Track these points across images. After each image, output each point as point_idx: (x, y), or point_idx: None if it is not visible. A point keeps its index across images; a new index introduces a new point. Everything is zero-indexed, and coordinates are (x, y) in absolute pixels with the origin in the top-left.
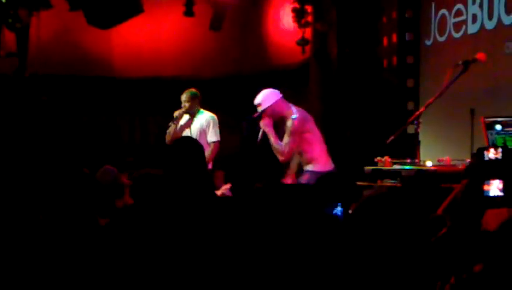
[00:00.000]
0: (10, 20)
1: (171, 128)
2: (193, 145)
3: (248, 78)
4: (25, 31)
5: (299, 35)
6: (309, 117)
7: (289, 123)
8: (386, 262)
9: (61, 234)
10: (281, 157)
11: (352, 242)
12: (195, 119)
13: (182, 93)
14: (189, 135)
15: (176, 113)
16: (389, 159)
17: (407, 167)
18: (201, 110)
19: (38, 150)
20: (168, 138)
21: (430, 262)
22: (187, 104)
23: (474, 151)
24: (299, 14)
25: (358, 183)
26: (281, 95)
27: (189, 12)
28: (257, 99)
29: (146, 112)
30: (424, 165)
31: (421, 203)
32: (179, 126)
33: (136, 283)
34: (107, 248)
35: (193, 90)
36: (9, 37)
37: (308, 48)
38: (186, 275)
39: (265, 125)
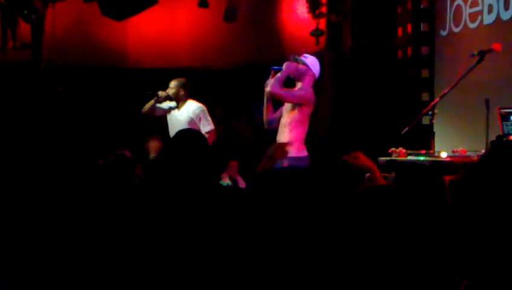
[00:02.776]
0: (26, 12)
1: (149, 103)
2: (196, 137)
3: (262, 69)
4: (41, 22)
5: (313, 26)
6: (313, 103)
7: (299, 89)
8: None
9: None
10: (270, 88)
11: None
12: (182, 108)
13: (197, 83)
14: (176, 124)
15: (160, 93)
16: (404, 150)
17: (421, 158)
18: (189, 100)
19: (54, 141)
20: (143, 110)
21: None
22: (171, 91)
23: (490, 142)
24: (313, 5)
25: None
26: (317, 76)
27: (203, 3)
28: (308, 55)
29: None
30: (439, 156)
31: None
32: (168, 115)
33: (139, 276)
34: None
35: (182, 79)
36: (25, 28)
37: (322, 38)
38: (189, 267)
39: (288, 66)
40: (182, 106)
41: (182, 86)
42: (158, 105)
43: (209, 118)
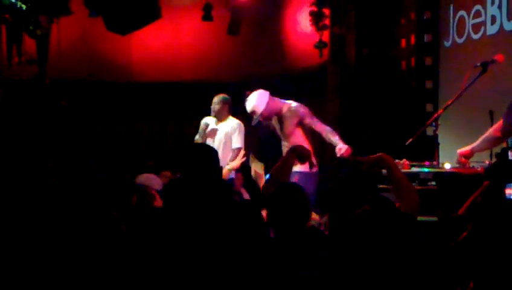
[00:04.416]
0: (31, 27)
1: (198, 135)
2: (206, 151)
3: (266, 82)
4: (46, 38)
5: (317, 39)
6: (303, 111)
7: (290, 113)
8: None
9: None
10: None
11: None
12: (221, 124)
13: (201, 97)
14: (214, 140)
15: (205, 120)
16: (407, 162)
17: (425, 170)
18: (230, 116)
19: (59, 154)
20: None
21: (450, 267)
22: (216, 107)
23: (494, 153)
24: (316, 17)
25: (379, 185)
26: (268, 93)
27: (207, 16)
28: (249, 108)
29: (165, 116)
30: (443, 168)
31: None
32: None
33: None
34: (127, 252)
35: (225, 95)
36: (30, 43)
37: (326, 51)
38: (203, 277)
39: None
40: (222, 121)
41: (226, 102)
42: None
43: (242, 137)
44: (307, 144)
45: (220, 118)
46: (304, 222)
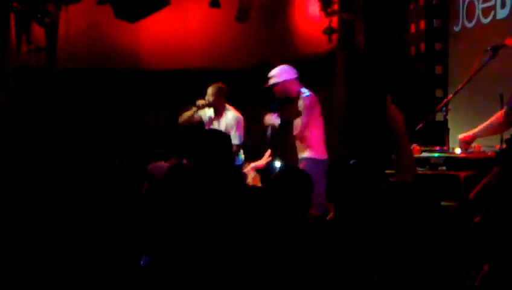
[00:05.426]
0: (39, 15)
1: (188, 113)
2: (221, 138)
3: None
4: (54, 26)
5: (326, 24)
6: (318, 101)
7: (301, 102)
8: (416, 252)
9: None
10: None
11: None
12: (222, 119)
13: (209, 84)
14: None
15: (199, 102)
16: (418, 147)
17: (436, 155)
18: (228, 107)
19: (70, 143)
20: (180, 120)
21: (464, 250)
22: (211, 98)
23: (504, 138)
24: (325, 3)
25: (387, 171)
26: (296, 75)
27: (215, 3)
28: (272, 71)
29: (174, 104)
30: (453, 153)
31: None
32: (200, 118)
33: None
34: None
35: (220, 84)
36: (39, 31)
37: (334, 36)
38: (218, 264)
39: (273, 120)
40: (221, 113)
41: (220, 91)
42: (199, 113)
43: (241, 132)
44: (318, 134)
45: (216, 110)
46: (304, 208)
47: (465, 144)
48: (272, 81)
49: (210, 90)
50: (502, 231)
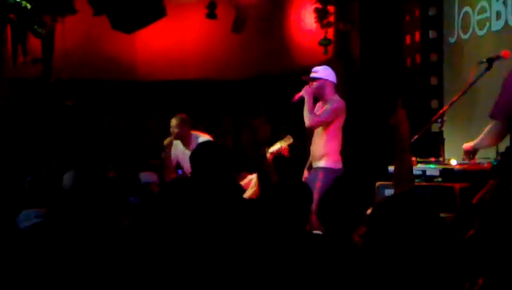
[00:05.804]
0: (36, 27)
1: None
2: (218, 150)
3: (271, 79)
4: (50, 37)
5: (322, 36)
6: (344, 111)
7: (328, 105)
8: (411, 264)
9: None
10: (308, 123)
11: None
12: (193, 146)
13: (206, 95)
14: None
15: (166, 142)
16: (413, 158)
17: (431, 166)
18: (197, 134)
19: (64, 154)
20: (163, 166)
21: (458, 263)
22: (175, 130)
23: (500, 150)
24: (321, 15)
25: (383, 183)
26: (335, 82)
27: (211, 14)
28: (317, 68)
29: (171, 115)
30: (449, 164)
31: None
32: (174, 155)
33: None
34: (130, 247)
35: (182, 115)
36: (35, 42)
37: (330, 48)
38: (212, 274)
39: (307, 92)
40: (190, 143)
41: (184, 122)
42: (167, 152)
43: None
44: (336, 144)
45: (184, 140)
46: (302, 221)
47: (467, 154)
48: (314, 75)
49: (173, 123)
50: (496, 244)
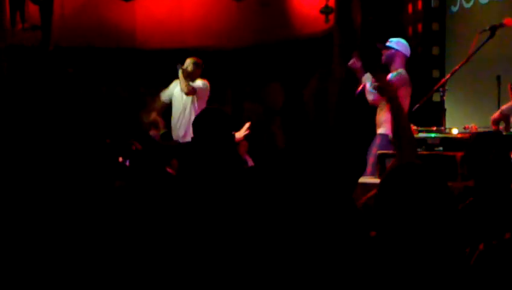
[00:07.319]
0: None
1: (185, 81)
2: (220, 116)
3: (271, 48)
4: (49, 4)
5: (323, 4)
6: (408, 84)
7: (393, 75)
8: (413, 231)
9: (79, 199)
10: (371, 99)
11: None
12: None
13: (205, 63)
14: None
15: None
16: (414, 127)
17: (432, 135)
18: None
19: (64, 122)
20: (186, 90)
21: (458, 229)
22: (190, 68)
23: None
24: None
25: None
26: (408, 55)
27: None
28: (393, 38)
29: (169, 83)
30: (450, 133)
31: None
32: (169, 95)
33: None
34: (122, 210)
35: (198, 60)
36: (34, 9)
37: (331, 16)
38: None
39: (354, 65)
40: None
41: (198, 66)
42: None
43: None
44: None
45: (192, 80)
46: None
47: (494, 123)
48: (389, 44)
49: (189, 61)
50: (495, 211)
